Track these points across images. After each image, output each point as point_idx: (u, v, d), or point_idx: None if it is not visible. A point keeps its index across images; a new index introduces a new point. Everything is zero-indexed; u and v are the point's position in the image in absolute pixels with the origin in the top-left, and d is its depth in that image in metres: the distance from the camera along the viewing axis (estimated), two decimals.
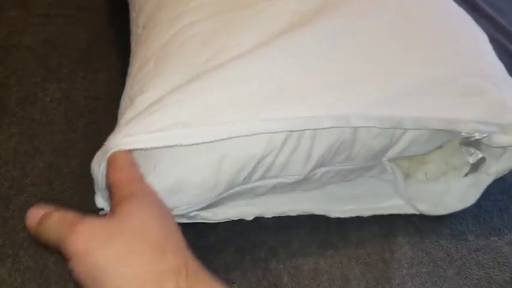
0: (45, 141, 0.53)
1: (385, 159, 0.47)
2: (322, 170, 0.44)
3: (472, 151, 0.48)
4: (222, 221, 0.47)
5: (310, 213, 0.49)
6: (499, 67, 0.49)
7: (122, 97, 0.49)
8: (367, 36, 0.45)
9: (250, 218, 0.48)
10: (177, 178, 0.39)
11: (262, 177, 0.42)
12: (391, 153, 0.45)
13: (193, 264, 0.29)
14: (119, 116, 0.47)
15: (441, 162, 0.51)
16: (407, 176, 0.51)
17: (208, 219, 0.47)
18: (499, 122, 0.43)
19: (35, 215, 0.31)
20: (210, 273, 0.31)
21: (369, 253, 0.46)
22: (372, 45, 0.45)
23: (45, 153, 0.52)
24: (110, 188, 0.33)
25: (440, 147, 0.51)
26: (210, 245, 0.47)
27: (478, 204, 0.50)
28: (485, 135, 0.45)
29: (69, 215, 0.30)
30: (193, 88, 0.40)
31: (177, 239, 0.30)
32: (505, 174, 0.50)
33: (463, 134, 0.46)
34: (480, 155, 0.48)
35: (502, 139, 0.45)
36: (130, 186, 0.32)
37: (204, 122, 0.38)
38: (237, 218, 0.47)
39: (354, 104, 0.41)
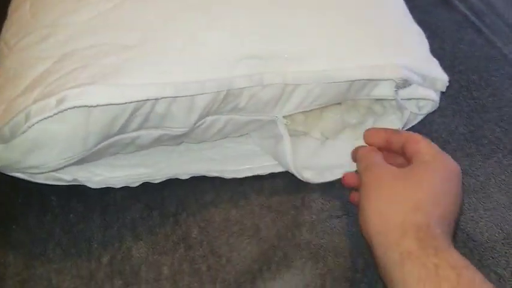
0: None
1: (280, 114, 0.45)
2: (209, 118, 0.42)
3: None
4: (108, 185, 0.46)
5: (204, 175, 0.47)
6: (416, 27, 0.48)
7: None
8: None
9: (136, 184, 0.46)
10: (40, 130, 0.36)
11: (141, 127, 0.40)
12: (288, 108, 0.44)
13: (434, 230, 0.34)
14: None
15: (338, 118, 0.49)
16: (304, 134, 0.50)
17: (92, 184, 0.45)
18: (424, 74, 0.44)
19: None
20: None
21: (281, 201, 0.47)
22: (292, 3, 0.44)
23: None
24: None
25: (339, 103, 0.49)
26: (117, 201, 0.45)
27: None
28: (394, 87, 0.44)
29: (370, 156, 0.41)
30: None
31: (439, 208, 0.36)
32: None
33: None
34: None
35: (421, 91, 0.45)
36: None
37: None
38: (122, 185, 0.46)
39: (269, 61, 0.40)
